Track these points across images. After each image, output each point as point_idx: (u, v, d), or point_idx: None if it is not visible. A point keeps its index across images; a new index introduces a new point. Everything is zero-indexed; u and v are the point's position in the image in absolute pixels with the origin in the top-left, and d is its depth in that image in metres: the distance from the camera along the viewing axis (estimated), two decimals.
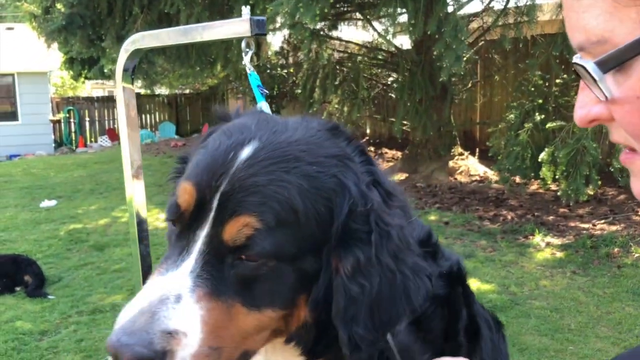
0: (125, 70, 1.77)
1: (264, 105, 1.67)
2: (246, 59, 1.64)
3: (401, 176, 10.91)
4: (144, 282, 2.06)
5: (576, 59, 0.85)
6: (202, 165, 1.14)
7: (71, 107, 23.55)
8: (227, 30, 1.61)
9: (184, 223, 1.12)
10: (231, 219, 1.07)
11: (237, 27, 1.56)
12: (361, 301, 1.11)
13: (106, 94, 32.83)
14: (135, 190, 1.87)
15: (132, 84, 1.82)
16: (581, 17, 0.81)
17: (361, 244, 1.11)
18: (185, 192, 1.13)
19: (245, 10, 1.55)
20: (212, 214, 1.08)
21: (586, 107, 0.88)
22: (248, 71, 1.63)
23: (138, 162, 1.85)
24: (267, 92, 1.57)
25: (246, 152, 1.12)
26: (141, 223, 1.91)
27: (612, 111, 0.84)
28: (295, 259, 1.10)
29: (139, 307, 1.03)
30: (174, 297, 1.03)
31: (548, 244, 7.50)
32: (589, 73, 0.81)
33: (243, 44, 1.63)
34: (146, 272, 1.93)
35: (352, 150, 1.22)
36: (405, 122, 10.35)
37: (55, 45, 12.55)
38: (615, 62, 0.79)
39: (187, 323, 1.03)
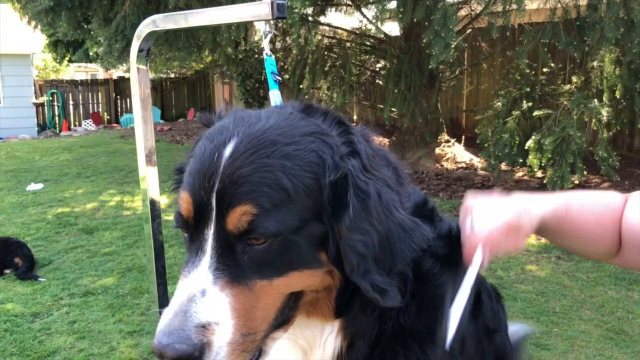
0: (140, 51, 1.80)
1: (275, 93, 1.68)
2: (265, 42, 1.68)
3: None
4: (155, 260, 2.12)
5: None
6: (194, 173, 1.23)
7: (54, 90, 23.23)
8: (247, 13, 1.64)
9: (192, 228, 1.22)
10: (230, 211, 1.15)
11: (257, 10, 1.59)
12: (367, 255, 1.21)
13: (89, 77, 32.38)
14: (148, 171, 1.91)
15: (146, 65, 1.86)
16: None
17: (346, 208, 1.21)
18: (184, 201, 1.23)
19: None
20: (213, 213, 1.17)
21: None
22: (265, 55, 1.67)
23: (151, 143, 1.89)
24: (281, 79, 1.62)
25: (228, 149, 1.20)
26: (153, 202, 1.96)
27: None
28: (300, 229, 1.18)
29: (172, 310, 1.12)
30: (200, 293, 1.12)
31: None
32: None
33: (263, 27, 1.66)
34: (158, 250, 1.98)
35: (329, 125, 1.31)
36: (393, 109, 10.38)
37: (38, 26, 12.34)
38: None
39: (217, 313, 1.11)
